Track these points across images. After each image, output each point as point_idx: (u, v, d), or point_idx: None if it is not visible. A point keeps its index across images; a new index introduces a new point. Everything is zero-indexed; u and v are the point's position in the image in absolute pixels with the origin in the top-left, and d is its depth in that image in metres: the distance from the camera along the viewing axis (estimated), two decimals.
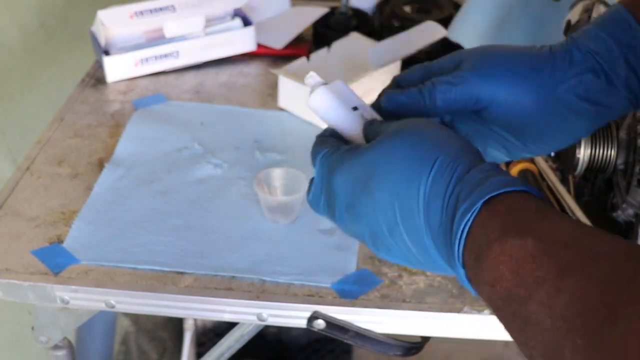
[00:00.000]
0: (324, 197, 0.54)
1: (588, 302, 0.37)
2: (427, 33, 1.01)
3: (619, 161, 0.73)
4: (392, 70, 1.01)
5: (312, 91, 0.58)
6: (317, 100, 0.57)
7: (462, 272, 0.45)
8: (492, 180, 0.44)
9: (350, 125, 0.57)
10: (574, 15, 0.84)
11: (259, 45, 1.09)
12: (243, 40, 1.07)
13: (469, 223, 0.44)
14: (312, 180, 0.56)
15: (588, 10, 0.82)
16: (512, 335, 0.42)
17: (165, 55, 1.03)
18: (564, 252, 0.40)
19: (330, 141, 0.55)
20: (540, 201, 0.44)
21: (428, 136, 0.49)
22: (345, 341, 0.69)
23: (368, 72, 0.95)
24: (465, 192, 0.45)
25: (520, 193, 0.44)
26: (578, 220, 0.44)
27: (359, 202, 0.50)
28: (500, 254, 0.42)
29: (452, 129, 0.56)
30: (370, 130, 0.55)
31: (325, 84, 0.58)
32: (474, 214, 0.44)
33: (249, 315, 0.69)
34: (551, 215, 0.43)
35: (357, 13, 1.13)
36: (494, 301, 0.42)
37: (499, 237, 0.42)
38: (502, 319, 0.43)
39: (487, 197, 0.43)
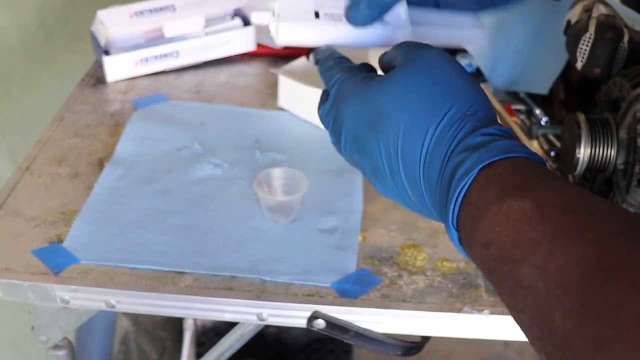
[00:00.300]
0: (332, 119, 0.53)
1: (583, 266, 0.36)
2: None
3: (619, 161, 0.73)
4: None
5: (275, 32, 0.58)
6: (285, 37, 0.58)
7: (455, 234, 0.44)
8: (496, 144, 0.44)
9: (327, 35, 0.57)
10: (574, 15, 0.84)
11: (259, 45, 1.09)
12: (243, 40, 1.07)
13: (466, 186, 0.43)
14: (325, 92, 0.55)
15: (588, 10, 0.82)
16: (502, 298, 0.41)
17: (165, 55, 1.03)
18: (562, 215, 0.39)
19: (342, 64, 0.55)
20: (542, 166, 0.44)
21: (446, 79, 0.48)
22: (345, 341, 0.69)
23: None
24: (466, 154, 0.44)
25: (523, 159, 0.43)
26: (579, 187, 0.43)
27: (365, 136, 0.50)
28: (498, 215, 0.41)
29: None
30: (386, 59, 0.54)
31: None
32: (472, 178, 0.43)
33: (249, 315, 0.69)
34: (552, 180, 0.42)
35: None
36: (487, 263, 0.42)
37: (497, 200, 0.41)
38: (493, 281, 0.42)
39: (487, 163, 0.43)
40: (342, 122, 0.52)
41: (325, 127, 0.55)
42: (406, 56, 0.51)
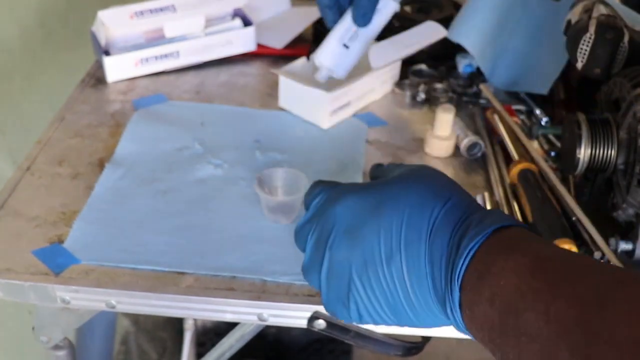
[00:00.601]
0: (316, 225, 0.55)
1: (583, 303, 0.39)
2: (427, 33, 1.01)
3: (620, 161, 0.73)
4: (393, 69, 1.01)
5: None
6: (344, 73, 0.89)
7: (457, 295, 0.47)
8: (497, 217, 0.49)
9: (361, 52, 0.88)
10: (574, 15, 0.84)
11: (259, 45, 1.09)
12: (243, 41, 1.07)
13: (477, 246, 0.47)
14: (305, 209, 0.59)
15: (588, 10, 0.82)
16: (504, 355, 0.43)
17: (166, 55, 1.03)
18: (560, 266, 0.43)
19: (328, 181, 0.59)
20: (533, 232, 0.49)
21: (442, 178, 0.54)
22: (345, 341, 0.69)
23: (368, 72, 0.96)
24: (475, 222, 0.48)
25: (519, 227, 0.49)
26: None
27: (363, 224, 0.52)
28: (502, 270, 0.44)
29: None
30: (376, 172, 0.60)
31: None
32: (483, 238, 0.47)
33: (250, 315, 0.69)
34: (545, 242, 0.49)
35: None
36: (490, 319, 0.44)
37: (501, 257, 0.45)
38: (495, 339, 0.44)
39: (497, 226, 0.47)
40: (333, 221, 0.54)
41: (300, 239, 0.58)
42: (400, 166, 0.58)
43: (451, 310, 0.48)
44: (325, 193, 0.57)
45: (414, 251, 0.50)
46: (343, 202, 0.54)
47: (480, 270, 0.46)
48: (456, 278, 0.47)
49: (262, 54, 1.10)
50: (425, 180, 0.53)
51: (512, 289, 0.43)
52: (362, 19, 0.84)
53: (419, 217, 0.50)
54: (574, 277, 0.41)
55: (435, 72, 1.05)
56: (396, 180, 0.54)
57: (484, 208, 0.52)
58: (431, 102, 1.00)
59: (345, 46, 0.86)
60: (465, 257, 0.47)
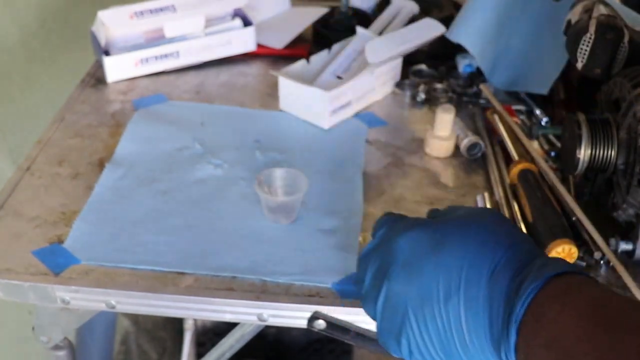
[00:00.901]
0: (377, 256, 0.56)
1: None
2: (425, 30, 1.01)
3: (620, 161, 0.73)
4: (393, 69, 1.01)
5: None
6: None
7: (513, 339, 0.47)
8: (558, 264, 0.49)
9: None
10: (574, 15, 0.84)
11: (259, 46, 1.09)
12: (243, 41, 1.07)
13: (535, 290, 0.47)
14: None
15: (588, 10, 0.82)
16: None
17: (166, 55, 1.03)
18: (618, 314, 0.43)
19: (396, 214, 0.61)
20: (593, 279, 0.49)
21: (505, 222, 0.54)
22: (345, 341, 0.69)
23: (367, 69, 0.95)
24: (536, 267, 0.48)
25: (578, 274, 0.49)
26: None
27: (423, 260, 0.52)
28: (560, 316, 0.44)
29: None
30: (435, 214, 0.60)
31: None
32: (542, 283, 0.47)
33: (250, 315, 0.69)
34: (606, 289, 0.48)
35: (357, 13, 1.13)
36: None
37: (561, 302, 0.45)
38: None
39: (557, 272, 0.47)
40: (394, 253, 0.54)
41: (362, 267, 0.58)
42: (460, 208, 0.58)
43: (505, 354, 0.48)
44: (390, 225, 0.58)
45: (473, 293, 0.49)
46: (405, 236, 0.54)
47: (538, 315, 0.46)
48: (513, 322, 0.47)
49: (262, 54, 1.10)
50: (489, 222, 0.53)
51: (570, 336, 0.43)
52: None
53: (480, 259, 0.50)
54: (632, 325, 0.41)
55: (435, 72, 1.05)
56: (460, 219, 0.54)
57: (546, 254, 0.51)
58: (431, 102, 1.00)
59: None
60: (524, 302, 0.47)
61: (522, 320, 0.47)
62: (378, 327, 0.55)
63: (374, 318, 0.55)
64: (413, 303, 0.51)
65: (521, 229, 0.55)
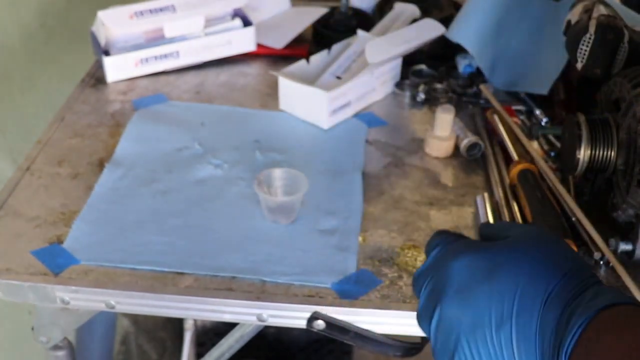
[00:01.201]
0: (431, 277, 0.56)
1: None
2: (425, 30, 1.01)
3: (619, 162, 0.73)
4: (393, 70, 1.01)
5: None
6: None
7: None
8: (612, 293, 0.48)
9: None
10: (574, 15, 0.84)
11: (259, 46, 1.09)
12: (243, 41, 1.07)
13: (586, 322, 0.46)
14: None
15: (588, 11, 0.82)
16: None
17: (165, 56, 1.03)
18: None
19: (450, 233, 0.60)
20: None
21: (559, 245, 0.54)
22: (345, 342, 0.69)
23: (367, 69, 0.95)
24: (588, 298, 0.48)
25: (632, 305, 0.48)
26: None
27: (476, 287, 0.52)
28: (611, 350, 0.44)
29: None
30: (486, 230, 0.61)
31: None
32: (593, 314, 0.47)
33: (249, 315, 0.68)
34: None
35: (357, 13, 1.13)
36: None
37: (612, 335, 0.45)
38: None
39: (610, 303, 0.47)
40: (448, 275, 0.54)
41: (416, 286, 0.58)
42: (513, 226, 0.59)
43: None
44: (444, 246, 0.57)
45: (525, 321, 0.50)
46: (459, 260, 0.54)
47: (589, 348, 0.46)
48: (564, 353, 0.47)
49: (262, 54, 1.10)
50: (543, 247, 0.53)
51: None
52: None
53: (534, 287, 0.50)
54: None
55: (435, 72, 1.05)
56: (514, 245, 0.54)
57: (601, 281, 0.51)
58: (431, 102, 1.00)
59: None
60: (575, 334, 0.47)
61: (572, 352, 0.47)
62: (432, 347, 0.56)
63: (428, 336, 0.56)
64: (466, 328, 0.52)
65: (578, 254, 0.55)
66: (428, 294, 0.55)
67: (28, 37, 1.17)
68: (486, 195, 0.81)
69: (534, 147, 0.87)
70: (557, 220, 0.73)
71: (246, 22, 1.07)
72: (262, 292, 0.69)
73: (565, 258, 0.52)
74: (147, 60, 1.02)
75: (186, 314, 0.70)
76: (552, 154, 0.89)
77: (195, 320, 1.44)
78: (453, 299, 0.53)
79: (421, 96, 1.00)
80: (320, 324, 0.68)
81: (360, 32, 1.03)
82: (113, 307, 0.69)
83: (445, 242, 0.58)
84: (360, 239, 0.76)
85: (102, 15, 1.00)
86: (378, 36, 1.01)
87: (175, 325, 1.60)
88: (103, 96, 0.99)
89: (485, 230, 0.61)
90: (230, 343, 0.79)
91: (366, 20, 1.11)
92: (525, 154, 0.85)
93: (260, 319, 0.68)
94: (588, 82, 0.86)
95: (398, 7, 1.10)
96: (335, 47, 1.02)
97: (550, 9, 0.97)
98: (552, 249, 0.53)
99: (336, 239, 0.75)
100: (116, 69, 1.01)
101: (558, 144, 0.89)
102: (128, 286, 0.69)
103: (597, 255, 0.72)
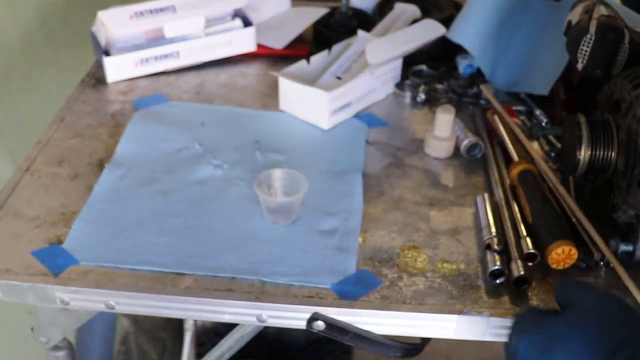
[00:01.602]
0: (507, 351, 0.63)
1: None
2: (425, 31, 1.01)
3: (620, 162, 0.73)
4: (394, 70, 1.01)
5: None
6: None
7: None
8: None
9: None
10: (574, 15, 0.84)
11: (259, 46, 1.09)
12: (243, 41, 1.07)
13: None
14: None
15: (588, 11, 0.82)
16: None
17: (166, 56, 1.03)
18: None
19: (534, 311, 0.66)
20: None
21: (618, 323, 0.57)
22: (344, 342, 0.69)
23: (368, 69, 0.95)
24: None
25: None
26: None
27: None
28: None
29: None
30: (563, 293, 0.64)
31: None
32: None
33: (249, 316, 0.68)
34: None
35: (358, 13, 1.13)
36: None
37: None
38: None
39: None
40: (513, 353, 0.61)
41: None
42: (587, 292, 0.62)
43: None
44: (515, 322, 0.64)
45: None
46: (522, 339, 0.60)
47: None
48: None
49: (262, 55, 1.10)
50: (602, 325, 0.56)
51: None
52: None
53: None
54: None
55: (435, 72, 1.05)
56: (572, 321, 0.58)
57: None
58: (431, 102, 1.00)
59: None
60: None
61: None
62: None
63: None
64: None
65: (633, 311, 0.59)
66: None
67: (28, 38, 1.17)
68: (486, 195, 0.81)
69: (534, 147, 0.87)
70: (558, 221, 0.73)
71: (246, 23, 1.07)
72: (261, 293, 0.68)
73: (621, 331, 0.55)
74: (147, 60, 1.02)
75: (186, 314, 0.70)
76: (553, 154, 0.89)
77: (195, 321, 1.44)
78: None
79: (421, 96, 1.00)
80: (320, 324, 0.68)
81: (360, 33, 1.03)
82: (113, 308, 0.69)
83: (518, 319, 0.64)
84: (360, 239, 0.75)
85: (102, 15, 1.00)
86: (378, 37, 1.01)
87: (175, 325, 1.60)
88: (103, 96, 0.99)
89: (560, 292, 0.64)
90: (230, 343, 0.79)
91: (366, 21, 1.11)
92: (525, 154, 0.85)
93: (260, 319, 0.68)
94: (588, 83, 0.86)
95: (398, 7, 1.10)
96: (336, 48, 1.02)
97: (551, 9, 0.97)
98: (611, 326, 0.56)
99: (336, 240, 0.75)
100: (116, 69, 1.01)
101: (558, 145, 0.89)
102: (128, 286, 0.69)
103: (597, 256, 0.72)
